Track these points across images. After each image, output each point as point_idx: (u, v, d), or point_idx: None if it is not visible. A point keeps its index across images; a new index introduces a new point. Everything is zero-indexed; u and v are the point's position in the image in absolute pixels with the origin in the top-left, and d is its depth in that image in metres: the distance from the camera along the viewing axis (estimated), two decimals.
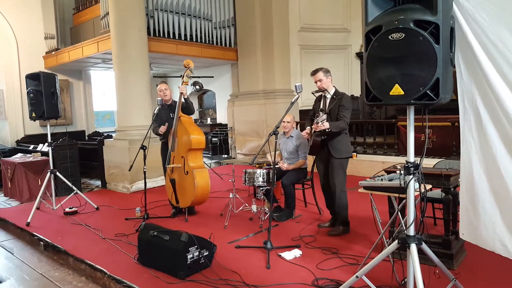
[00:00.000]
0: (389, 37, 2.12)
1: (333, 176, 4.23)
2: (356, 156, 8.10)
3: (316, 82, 4.18)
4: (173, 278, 3.33)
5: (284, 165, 5.00)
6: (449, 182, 3.28)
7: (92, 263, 3.77)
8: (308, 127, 4.25)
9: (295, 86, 3.85)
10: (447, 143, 6.86)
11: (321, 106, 4.23)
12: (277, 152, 5.37)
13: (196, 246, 3.40)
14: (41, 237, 4.65)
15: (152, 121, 5.29)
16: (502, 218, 2.16)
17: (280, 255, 3.73)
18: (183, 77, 5.16)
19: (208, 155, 11.34)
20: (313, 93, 4.23)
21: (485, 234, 2.23)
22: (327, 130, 4.01)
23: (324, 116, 4.13)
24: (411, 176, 2.30)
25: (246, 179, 4.81)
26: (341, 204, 4.27)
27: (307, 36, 10.84)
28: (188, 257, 3.34)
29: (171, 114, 5.28)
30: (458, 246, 3.45)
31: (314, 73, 4.20)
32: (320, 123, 4.00)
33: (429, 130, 7.23)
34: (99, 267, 3.67)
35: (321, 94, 4.25)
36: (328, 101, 4.21)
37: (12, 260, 4.38)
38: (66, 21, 11.41)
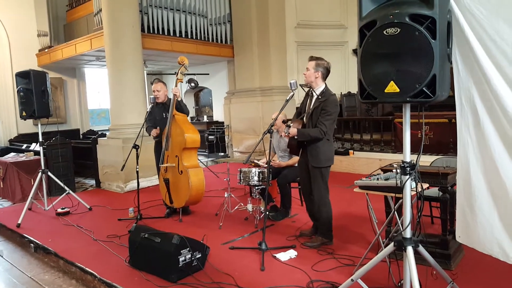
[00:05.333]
0: (384, 32, 2.04)
1: (313, 185, 3.87)
2: (353, 153, 8.06)
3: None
4: (164, 282, 3.25)
5: (276, 162, 4.92)
6: (446, 180, 3.21)
7: (83, 266, 3.68)
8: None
9: (290, 83, 3.72)
10: (444, 140, 6.82)
11: (307, 104, 3.93)
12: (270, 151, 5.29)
13: (188, 249, 3.32)
14: (32, 238, 4.56)
15: (145, 119, 5.19)
16: (501, 220, 2.08)
17: (275, 256, 3.65)
18: (177, 74, 5.06)
19: (205, 153, 11.25)
20: (301, 86, 3.84)
21: (482, 237, 2.15)
22: (295, 137, 3.76)
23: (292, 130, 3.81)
24: (408, 177, 2.22)
25: (241, 178, 4.72)
26: (321, 216, 3.89)
27: (303, 33, 10.75)
28: (180, 259, 3.26)
29: (164, 114, 5.18)
30: (456, 246, 3.38)
31: (309, 59, 3.84)
32: (286, 131, 3.74)
33: (426, 127, 7.18)
34: (89, 270, 3.58)
35: (310, 90, 3.93)
36: (313, 100, 3.84)
37: (1, 263, 4.29)
38: (59, 18, 11.28)
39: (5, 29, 10.06)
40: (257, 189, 4.67)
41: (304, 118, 3.93)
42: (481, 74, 2.05)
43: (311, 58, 3.84)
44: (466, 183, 2.21)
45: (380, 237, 3.21)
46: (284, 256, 3.64)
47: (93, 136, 8.95)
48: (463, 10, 2.07)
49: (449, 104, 2.30)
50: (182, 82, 5.12)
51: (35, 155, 7.50)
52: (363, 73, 2.16)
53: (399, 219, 2.97)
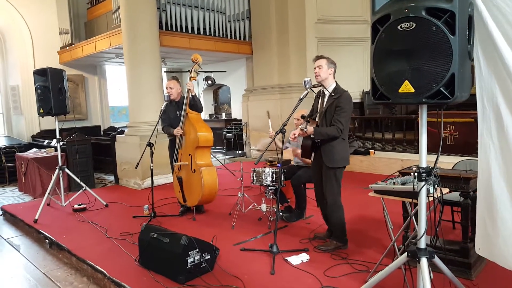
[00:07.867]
0: (398, 27, 1.90)
1: (326, 187, 3.73)
2: (374, 153, 7.84)
3: (315, 69, 3.67)
4: (172, 283, 3.19)
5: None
6: (468, 185, 3.02)
7: (93, 264, 3.68)
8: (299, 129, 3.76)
9: (304, 81, 3.58)
10: (469, 140, 6.54)
11: (319, 104, 3.81)
12: (289, 150, 5.17)
13: (196, 250, 3.25)
14: (47, 234, 4.59)
15: (159, 117, 5.15)
16: None
17: (287, 260, 3.55)
18: (191, 72, 5.01)
19: (223, 151, 11.21)
20: (311, 89, 3.67)
21: (504, 250, 1.98)
22: (311, 137, 3.63)
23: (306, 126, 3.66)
24: (423, 183, 2.07)
25: (254, 178, 4.63)
26: (333, 219, 3.76)
27: (324, 28, 10.50)
28: (188, 261, 3.20)
29: (177, 112, 5.12)
30: (477, 254, 3.19)
31: (317, 58, 3.71)
32: (304, 128, 3.58)
33: (451, 126, 6.94)
34: (100, 268, 3.57)
35: (321, 90, 3.80)
36: (326, 99, 3.71)
37: (18, 258, 4.34)
38: (80, 16, 11.42)
39: (28, 27, 10.22)
40: (271, 189, 4.57)
41: (317, 118, 3.79)
42: (506, 73, 1.88)
43: (319, 57, 3.73)
44: (487, 191, 2.04)
45: (395, 243, 3.06)
46: (296, 259, 3.53)
47: (113, 133, 9.03)
48: (487, 3, 1.91)
49: (475, 103, 2.13)
50: (196, 80, 5.06)
51: (55, 151, 7.60)
52: (376, 71, 2.03)
53: (417, 225, 2.81)
